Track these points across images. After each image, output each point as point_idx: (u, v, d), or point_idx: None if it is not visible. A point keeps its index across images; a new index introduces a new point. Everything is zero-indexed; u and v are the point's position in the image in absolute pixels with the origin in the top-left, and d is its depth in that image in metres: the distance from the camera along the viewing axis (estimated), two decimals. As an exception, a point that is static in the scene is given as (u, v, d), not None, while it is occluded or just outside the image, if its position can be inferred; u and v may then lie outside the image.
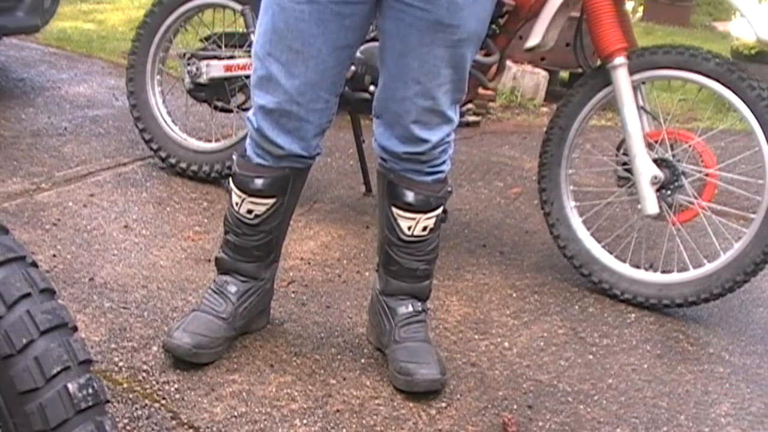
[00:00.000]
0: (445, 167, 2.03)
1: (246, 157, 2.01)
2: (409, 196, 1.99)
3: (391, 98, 1.92)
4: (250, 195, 2.00)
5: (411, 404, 1.95)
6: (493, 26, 2.59)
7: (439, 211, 2.04)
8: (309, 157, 2.00)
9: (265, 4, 1.88)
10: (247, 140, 2.02)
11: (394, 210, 2.01)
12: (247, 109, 3.11)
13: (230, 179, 2.04)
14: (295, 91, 1.87)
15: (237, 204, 2.02)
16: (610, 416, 1.99)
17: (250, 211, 2.02)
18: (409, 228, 2.02)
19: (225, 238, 2.10)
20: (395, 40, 1.86)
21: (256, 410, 1.86)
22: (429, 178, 2.00)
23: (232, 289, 2.08)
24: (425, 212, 2.01)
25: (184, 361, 1.98)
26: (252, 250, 2.07)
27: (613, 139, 2.68)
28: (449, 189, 2.05)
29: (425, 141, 1.94)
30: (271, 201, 2.01)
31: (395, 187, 2.00)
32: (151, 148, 3.20)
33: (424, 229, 2.02)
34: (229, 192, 2.05)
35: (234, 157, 2.05)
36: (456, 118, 1.98)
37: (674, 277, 2.51)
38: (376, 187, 1.95)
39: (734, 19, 8.55)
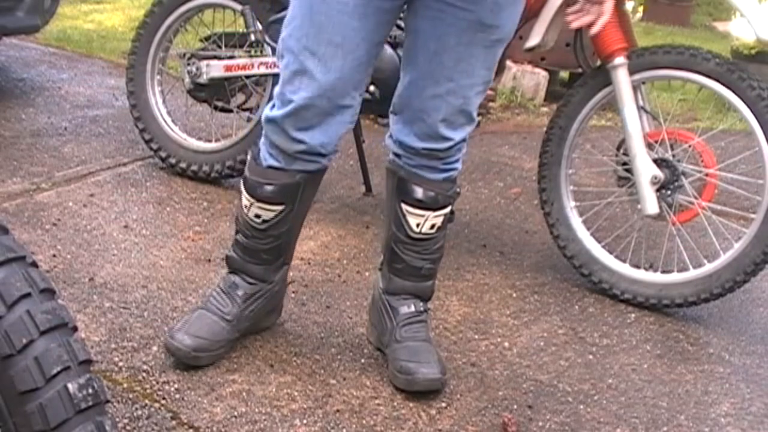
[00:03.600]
0: (458, 165, 2.03)
1: (258, 160, 1.98)
2: (419, 193, 1.99)
3: (418, 96, 1.91)
4: (259, 201, 1.98)
5: (411, 404, 1.95)
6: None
7: (447, 210, 2.04)
8: (325, 155, 1.95)
9: None
10: (261, 140, 1.98)
11: (404, 206, 2.01)
12: (247, 109, 3.12)
13: (242, 181, 2.02)
14: (329, 86, 1.83)
15: (246, 207, 2.00)
16: (610, 416, 1.99)
17: (258, 216, 2.00)
18: (418, 225, 2.02)
19: (235, 237, 2.09)
20: (430, 39, 1.86)
21: (256, 410, 1.86)
22: (441, 176, 2.00)
23: (240, 291, 2.06)
24: (434, 210, 2.01)
25: (189, 366, 1.98)
26: (260, 252, 2.05)
27: (613, 139, 2.68)
28: (458, 189, 2.06)
29: (448, 139, 1.95)
30: (279, 208, 1.98)
31: (405, 184, 2.00)
32: (151, 148, 3.20)
33: (432, 227, 2.02)
34: (240, 193, 2.03)
35: (248, 158, 2.03)
36: (476, 118, 2.00)
37: (674, 277, 2.51)
38: (377, 186, 1.94)
39: (734, 19, 8.54)
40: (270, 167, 1.95)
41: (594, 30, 2.19)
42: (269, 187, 1.96)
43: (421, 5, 1.84)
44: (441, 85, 1.88)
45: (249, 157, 2.02)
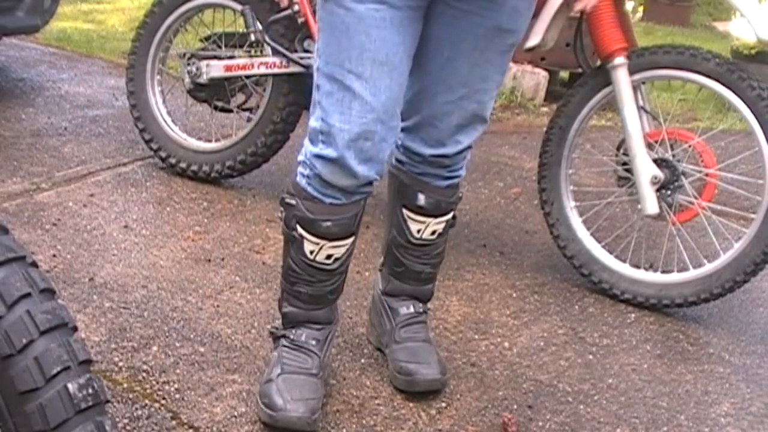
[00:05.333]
0: (462, 172, 2.01)
1: (313, 199, 1.81)
2: (421, 199, 1.96)
3: (429, 102, 1.87)
4: (333, 239, 1.82)
5: (411, 404, 1.95)
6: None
7: (449, 216, 2.02)
8: (377, 181, 1.83)
9: (331, 21, 1.71)
10: (303, 180, 1.81)
11: (405, 212, 1.99)
12: (248, 109, 3.12)
13: (297, 228, 1.82)
14: (382, 108, 1.72)
15: (313, 252, 1.83)
16: (610, 416, 1.99)
17: (329, 257, 1.84)
18: (419, 231, 2.00)
19: (291, 291, 1.90)
20: (444, 45, 1.81)
21: (256, 410, 1.85)
22: (445, 183, 1.98)
23: (312, 342, 1.91)
24: (436, 216, 1.99)
25: (187, 364, 1.97)
26: (327, 294, 1.91)
27: (613, 139, 2.68)
28: (460, 195, 2.04)
29: (458, 143, 1.92)
30: (350, 240, 1.86)
31: (408, 189, 1.97)
32: (151, 148, 3.20)
33: (433, 233, 2.00)
34: (292, 240, 1.84)
35: (291, 201, 1.83)
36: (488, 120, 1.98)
37: (674, 277, 2.51)
38: (377, 186, 1.92)
39: (734, 19, 8.54)
40: (333, 204, 1.81)
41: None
42: (344, 221, 1.82)
43: (435, 12, 1.79)
44: (455, 92, 1.84)
45: (294, 200, 1.82)
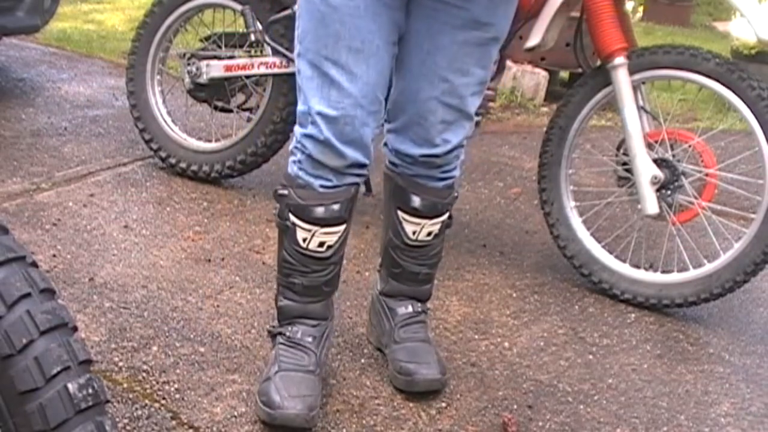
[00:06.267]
0: (456, 173, 2.01)
1: (305, 186, 1.84)
2: (416, 201, 1.96)
3: (413, 100, 1.88)
4: (324, 225, 1.83)
5: (411, 404, 1.95)
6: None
7: (445, 216, 2.02)
8: (367, 165, 1.86)
9: (309, 8, 1.77)
10: (295, 167, 1.85)
11: (400, 214, 1.99)
12: (247, 109, 3.12)
13: (290, 216, 1.84)
14: (359, 93, 1.76)
15: (305, 240, 1.84)
16: (610, 416, 1.99)
17: (322, 244, 1.85)
18: (414, 233, 2.00)
19: (286, 283, 1.91)
20: (423, 38, 1.83)
21: (255, 409, 1.85)
22: (440, 184, 1.98)
23: (308, 338, 1.91)
24: (431, 218, 1.99)
25: (187, 364, 1.97)
26: (322, 287, 1.91)
27: (613, 139, 2.68)
28: (455, 195, 2.04)
29: (447, 142, 1.92)
30: (342, 227, 1.86)
31: (402, 191, 1.98)
32: (151, 148, 3.20)
33: (429, 234, 2.01)
34: (285, 230, 1.86)
35: (284, 192, 1.86)
36: (474, 117, 1.98)
37: (674, 277, 2.51)
38: (377, 186, 1.93)
39: (734, 19, 8.54)
40: (324, 187, 1.83)
41: None
42: (335, 206, 1.83)
43: (415, 4, 1.81)
44: (436, 87, 1.85)
45: (287, 190, 1.85)
